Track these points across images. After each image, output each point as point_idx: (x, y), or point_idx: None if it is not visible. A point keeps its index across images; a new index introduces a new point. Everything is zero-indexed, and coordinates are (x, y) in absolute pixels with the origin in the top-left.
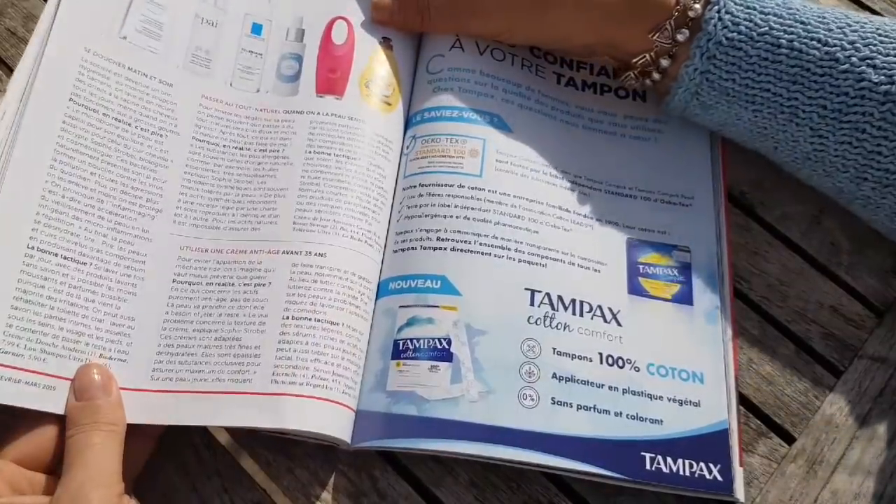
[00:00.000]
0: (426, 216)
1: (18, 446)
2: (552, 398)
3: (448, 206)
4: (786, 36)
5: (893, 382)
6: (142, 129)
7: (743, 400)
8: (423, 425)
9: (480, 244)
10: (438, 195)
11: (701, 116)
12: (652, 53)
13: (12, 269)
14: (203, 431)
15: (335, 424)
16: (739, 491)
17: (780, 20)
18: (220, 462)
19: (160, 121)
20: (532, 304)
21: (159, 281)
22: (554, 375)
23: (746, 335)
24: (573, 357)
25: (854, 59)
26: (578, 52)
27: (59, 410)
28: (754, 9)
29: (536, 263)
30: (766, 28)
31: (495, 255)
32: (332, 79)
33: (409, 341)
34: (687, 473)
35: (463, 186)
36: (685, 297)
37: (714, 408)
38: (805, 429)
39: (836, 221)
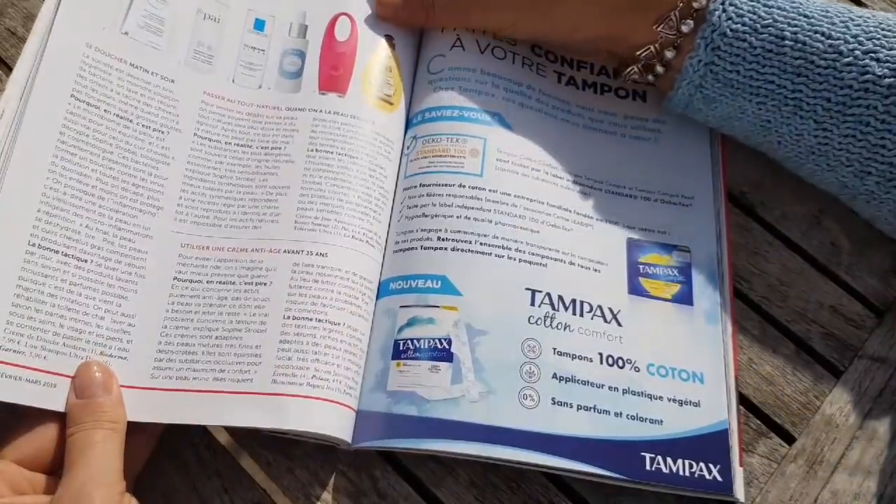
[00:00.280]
0: (427, 216)
1: (19, 447)
2: (552, 398)
3: (448, 205)
4: (790, 28)
5: (893, 382)
6: (143, 125)
7: (743, 400)
8: (423, 425)
9: (481, 244)
10: (439, 195)
11: (704, 112)
12: (656, 45)
13: (13, 266)
14: (203, 431)
15: (336, 424)
16: (739, 491)
17: (784, 13)
18: (220, 462)
19: (162, 117)
20: (532, 304)
21: (160, 279)
22: (554, 376)
23: (746, 335)
24: (573, 357)
25: (857, 52)
26: (581, 47)
27: (60, 408)
28: (758, 1)
29: (537, 263)
30: (770, 20)
31: (496, 255)
32: (334, 76)
33: (409, 341)
34: (687, 473)
35: (463, 186)
36: (685, 297)
37: (714, 408)
38: (805, 429)
39: (836, 221)
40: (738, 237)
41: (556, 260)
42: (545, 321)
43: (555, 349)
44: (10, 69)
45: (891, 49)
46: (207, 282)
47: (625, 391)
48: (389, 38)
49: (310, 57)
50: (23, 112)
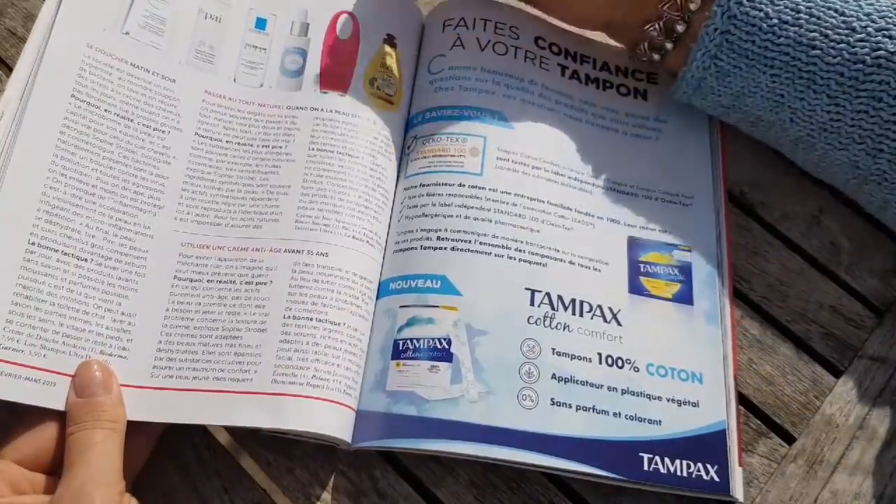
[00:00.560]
0: (426, 216)
1: (19, 447)
2: (551, 399)
3: (448, 205)
4: (804, 3)
5: (893, 382)
6: (144, 125)
7: (743, 400)
8: (423, 425)
9: (481, 244)
10: (439, 195)
11: (715, 90)
12: (660, 23)
13: (13, 265)
14: (203, 431)
15: (336, 424)
16: (738, 491)
17: None
18: (220, 462)
19: (162, 117)
20: (532, 304)
21: (160, 278)
22: (553, 376)
23: (746, 335)
24: (573, 357)
25: (870, 28)
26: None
27: (60, 406)
28: None
29: (537, 263)
30: None
31: (496, 255)
32: (335, 75)
33: (409, 341)
34: (685, 474)
35: (463, 185)
36: (685, 297)
37: (712, 408)
38: (805, 429)
39: (836, 221)
40: (738, 237)
41: (556, 259)
42: (545, 321)
43: (554, 349)
44: (10, 69)
45: None
46: (208, 281)
47: (624, 391)
48: (391, 38)
49: (311, 55)
50: (23, 112)
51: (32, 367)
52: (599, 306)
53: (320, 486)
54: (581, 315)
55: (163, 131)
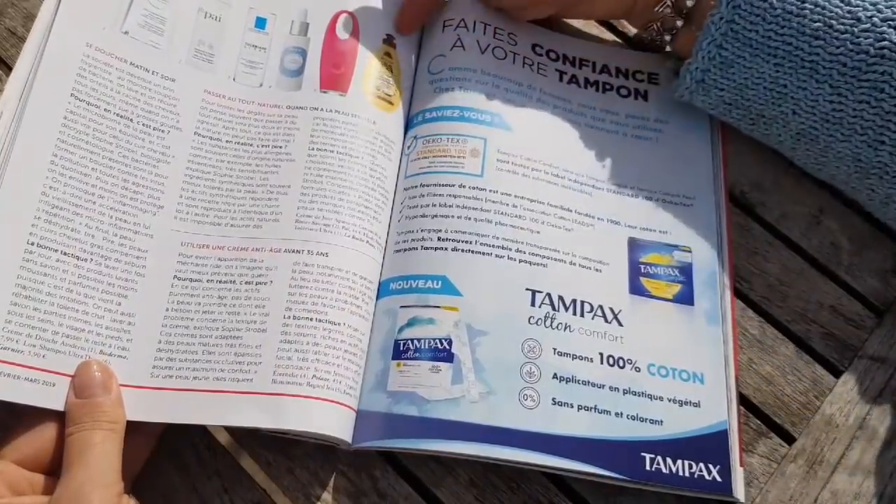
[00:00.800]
0: (427, 216)
1: (18, 447)
2: (553, 398)
3: (449, 206)
4: None
5: (893, 382)
6: (143, 124)
7: (743, 400)
8: (423, 426)
9: (481, 244)
10: (439, 195)
11: (718, 84)
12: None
13: (12, 265)
14: (203, 431)
15: (336, 424)
16: (739, 491)
17: None
18: (220, 462)
19: (162, 116)
20: (533, 304)
21: (160, 278)
22: (555, 376)
23: (746, 335)
24: (574, 357)
25: (875, 19)
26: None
27: (59, 407)
28: None
29: (537, 264)
30: None
31: (496, 256)
32: (335, 74)
33: (409, 342)
34: (686, 474)
35: (464, 186)
36: (686, 298)
37: (714, 408)
38: (805, 429)
39: (836, 221)
40: (738, 237)
41: (556, 260)
42: (545, 321)
43: (555, 349)
44: (10, 69)
45: None
46: (207, 281)
47: (625, 391)
48: (390, 38)
49: (311, 55)
50: (22, 111)
51: (32, 368)
52: (600, 307)
53: (320, 486)
54: (582, 315)
55: (162, 131)
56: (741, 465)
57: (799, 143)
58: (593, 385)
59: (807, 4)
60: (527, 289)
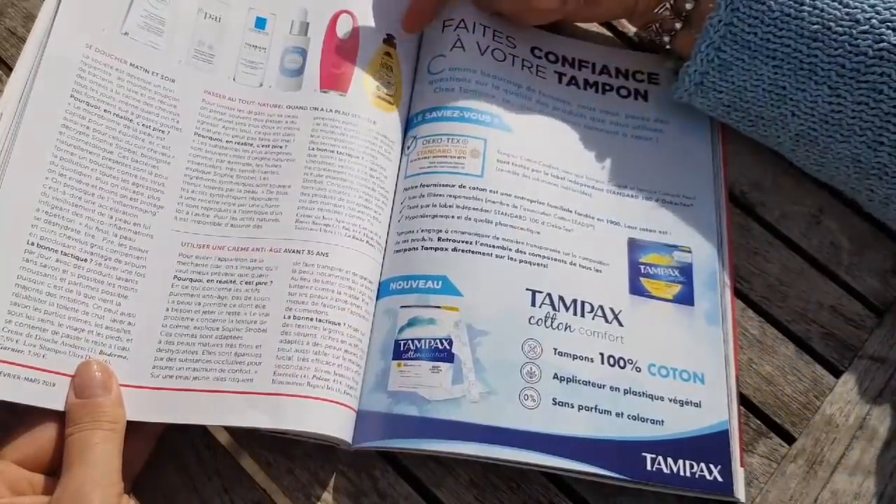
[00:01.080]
0: (427, 216)
1: (18, 447)
2: (553, 399)
3: (449, 206)
4: None
5: (893, 382)
6: (143, 125)
7: (743, 400)
8: (423, 426)
9: (482, 245)
10: (439, 195)
11: (717, 86)
12: (671, 2)
13: (12, 265)
14: (203, 431)
15: (336, 425)
16: (740, 491)
17: None
18: (220, 462)
19: (162, 117)
20: (533, 304)
21: (160, 278)
22: (555, 376)
23: (746, 335)
24: (574, 357)
25: (874, 20)
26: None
27: (59, 407)
28: None
29: (538, 264)
30: None
31: (496, 256)
32: (335, 74)
33: (410, 342)
34: (687, 474)
35: (464, 187)
36: (686, 298)
37: (715, 408)
38: (805, 429)
39: (836, 221)
40: (738, 237)
41: (556, 260)
42: (546, 322)
43: (556, 349)
44: (10, 69)
45: None
46: (208, 281)
47: (626, 391)
48: (390, 38)
49: (311, 55)
50: (22, 112)
51: (32, 368)
52: (601, 307)
53: (320, 486)
54: (582, 315)
55: (162, 131)
56: (741, 465)
57: (798, 144)
58: (594, 385)
59: (805, 6)
60: (527, 289)
